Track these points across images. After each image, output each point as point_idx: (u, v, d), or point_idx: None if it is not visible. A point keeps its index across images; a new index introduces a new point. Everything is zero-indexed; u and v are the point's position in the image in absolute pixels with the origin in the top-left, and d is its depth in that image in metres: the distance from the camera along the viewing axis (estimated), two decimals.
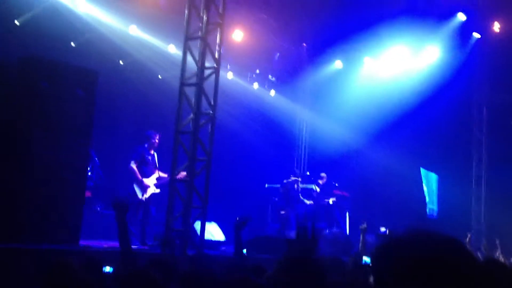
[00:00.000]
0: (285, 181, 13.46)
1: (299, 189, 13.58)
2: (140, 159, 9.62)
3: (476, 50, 14.69)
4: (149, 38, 12.53)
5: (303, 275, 2.89)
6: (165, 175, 9.48)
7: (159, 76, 13.44)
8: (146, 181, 9.59)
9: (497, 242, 10.13)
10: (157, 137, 9.76)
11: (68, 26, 11.16)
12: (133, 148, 9.91)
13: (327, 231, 11.88)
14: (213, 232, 10.32)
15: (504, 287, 2.59)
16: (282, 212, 13.00)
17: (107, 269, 6.56)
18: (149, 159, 9.70)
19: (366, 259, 5.91)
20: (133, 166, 9.57)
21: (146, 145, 9.76)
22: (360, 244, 6.92)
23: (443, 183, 17.25)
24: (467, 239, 9.77)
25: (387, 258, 1.24)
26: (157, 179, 9.72)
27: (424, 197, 16.60)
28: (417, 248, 1.19)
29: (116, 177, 12.83)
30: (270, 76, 15.54)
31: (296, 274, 2.90)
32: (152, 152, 9.80)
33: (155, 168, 9.76)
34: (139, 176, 9.52)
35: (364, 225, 7.05)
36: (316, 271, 2.96)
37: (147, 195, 9.56)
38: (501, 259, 9.19)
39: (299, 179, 13.66)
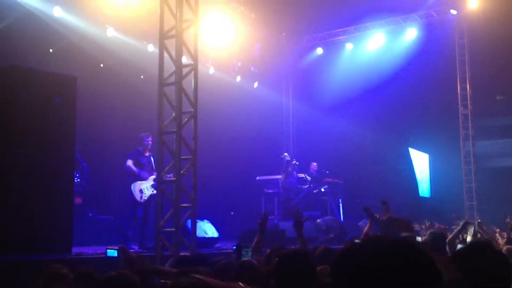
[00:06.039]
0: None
1: (296, 176, 13.65)
2: (134, 162, 9.56)
3: (454, 26, 14.79)
4: (128, 38, 12.44)
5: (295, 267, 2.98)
6: None
7: (141, 77, 13.36)
8: (143, 183, 9.54)
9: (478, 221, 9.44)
10: (150, 139, 9.70)
11: (45, 33, 11.04)
12: (128, 153, 9.86)
13: (320, 219, 11.88)
14: (207, 229, 10.30)
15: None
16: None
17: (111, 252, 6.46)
18: (144, 162, 9.64)
19: None
20: (130, 164, 9.51)
21: (140, 149, 9.72)
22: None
23: (434, 162, 17.34)
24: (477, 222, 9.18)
25: (343, 265, 1.38)
26: (154, 180, 9.61)
27: (415, 177, 16.67)
28: (369, 256, 1.33)
29: (106, 182, 12.76)
30: (252, 68, 15.48)
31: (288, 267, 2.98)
32: (147, 154, 9.74)
33: (152, 170, 9.63)
34: (136, 171, 9.47)
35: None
36: (307, 262, 3.05)
37: (145, 197, 9.50)
38: (498, 238, 8.82)
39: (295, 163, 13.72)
